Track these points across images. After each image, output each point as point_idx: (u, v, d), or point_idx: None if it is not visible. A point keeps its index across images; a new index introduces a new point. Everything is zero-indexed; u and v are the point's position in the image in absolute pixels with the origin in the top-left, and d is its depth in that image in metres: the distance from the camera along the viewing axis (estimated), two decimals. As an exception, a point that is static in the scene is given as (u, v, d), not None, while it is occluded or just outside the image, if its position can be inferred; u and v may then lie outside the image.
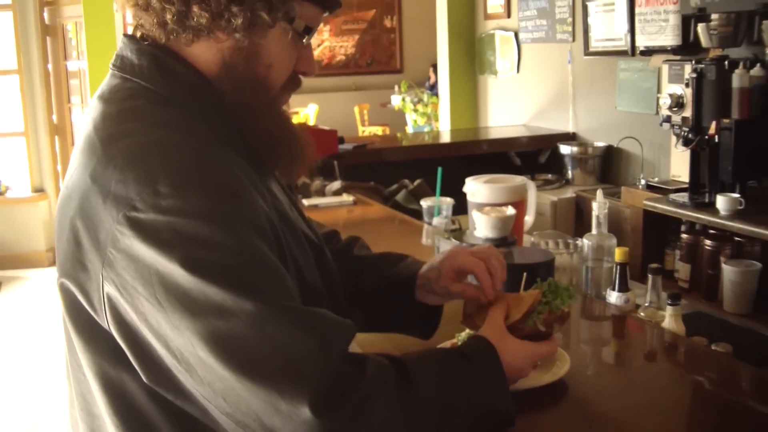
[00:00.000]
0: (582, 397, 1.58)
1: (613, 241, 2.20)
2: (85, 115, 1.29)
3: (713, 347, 1.95)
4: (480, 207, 2.40)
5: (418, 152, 5.24)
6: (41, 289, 6.61)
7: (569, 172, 5.03)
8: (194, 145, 1.17)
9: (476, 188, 2.55)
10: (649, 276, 2.04)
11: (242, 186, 1.17)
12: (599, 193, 2.25)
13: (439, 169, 2.70)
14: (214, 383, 1.06)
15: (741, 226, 3.32)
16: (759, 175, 3.55)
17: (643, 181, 4.29)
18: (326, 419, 1.04)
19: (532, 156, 5.42)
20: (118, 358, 1.16)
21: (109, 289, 1.11)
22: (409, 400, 1.15)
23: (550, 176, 5.13)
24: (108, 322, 1.14)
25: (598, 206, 2.22)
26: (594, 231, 2.23)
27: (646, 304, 2.03)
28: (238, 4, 1.22)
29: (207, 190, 1.11)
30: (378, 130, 10.41)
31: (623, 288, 2.06)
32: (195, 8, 1.21)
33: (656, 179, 4.33)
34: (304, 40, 1.33)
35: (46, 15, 7.29)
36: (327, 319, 1.15)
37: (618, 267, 2.07)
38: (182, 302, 1.06)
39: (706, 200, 3.58)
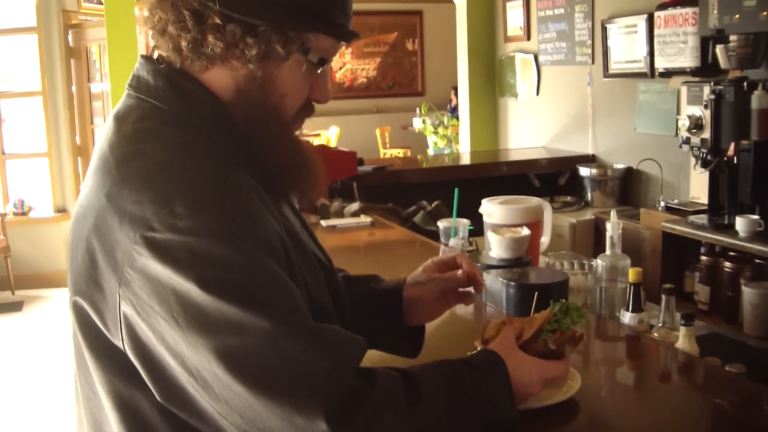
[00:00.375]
0: (593, 416, 1.57)
1: (627, 261, 2.19)
2: (100, 134, 1.31)
3: (727, 368, 1.94)
4: (496, 228, 2.40)
5: (438, 174, 5.23)
6: (63, 309, 6.65)
7: (588, 194, 5.02)
8: (207, 166, 1.19)
9: (492, 209, 2.55)
10: (663, 296, 2.03)
11: (254, 206, 1.19)
12: (613, 214, 2.25)
13: (456, 190, 2.70)
14: (231, 400, 1.08)
15: (760, 247, 3.30)
16: (779, 197, 3.52)
17: (662, 203, 4.28)
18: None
19: (552, 178, 5.41)
20: (131, 377, 1.17)
21: (125, 308, 1.13)
22: (417, 411, 1.16)
23: (569, 198, 5.12)
24: (123, 341, 1.15)
25: (612, 227, 2.22)
26: (608, 251, 2.23)
27: (660, 325, 2.02)
28: (253, 36, 1.24)
29: (220, 211, 1.13)
30: (399, 153, 10.44)
31: (637, 308, 2.05)
32: (210, 37, 1.23)
33: (675, 201, 4.31)
34: (318, 71, 1.34)
35: (70, 38, 7.38)
36: (339, 335, 1.17)
37: (632, 287, 2.07)
38: (198, 320, 1.08)
39: (726, 222, 3.57)
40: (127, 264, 1.11)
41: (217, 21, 1.23)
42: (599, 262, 2.22)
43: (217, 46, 1.24)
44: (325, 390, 1.07)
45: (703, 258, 3.68)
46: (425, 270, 1.69)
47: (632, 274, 2.06)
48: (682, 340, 1.91)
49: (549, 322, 1.48)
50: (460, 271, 1.66)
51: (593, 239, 4.57)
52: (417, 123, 9.42)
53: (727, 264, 3.53)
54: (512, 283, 2.09)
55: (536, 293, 1.65)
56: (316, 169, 1.40)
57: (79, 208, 1.23)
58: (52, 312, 6.63)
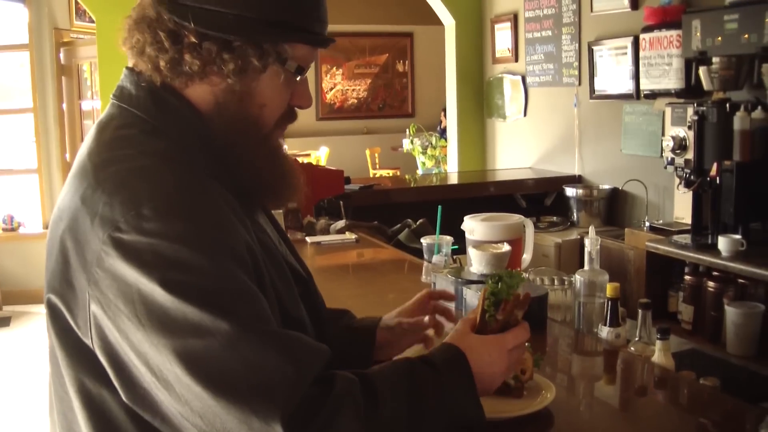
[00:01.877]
0: (566, 428, 1.59)
1: (605, 276, 2.21)
2: (86, 138, 1.34)
3: (701, 381, 1.96)
4: (478, 244, 2.42)
5: (425, 194, 5.26)
6: (50, 326, 6.63)
7: (574, 215, 5.06)
8: (180, 174, 1.21)
9: (474, 226, 2.57)
10: (639, 311, 2.05)
11: (223, 215, 1.20)
12: (591, 230, 2.28)
13: (439, 208, 2.72)
14: (191, 401, 1.09)
15: (743, 267, 3.33)
16: (762, 217, 3.55)
17: (647, 223, 4.31)
18: None
19: (539, 198, 5.45)
20: (99, 376, 1.19)
21: (94, 307, 1.14)
22: (375, 414, 1.17)
23: (555, 218, 5.15)
24: (92, 340, 1.17)
25: (591, 242, 2.24)
26: (586, 267, 2.25)
27: (636, 339, 2.04)
28: (229, 52, 1.26)
29: (188, 216, 1.15)
30: (389, 174, 10.46)
31: (614, 323, 2.07)
32: (187, 56, 1.26)
33: (660, 221, 4.34)
34: (297, 78, 1.37)
35: (62, 55, 7.41)
36: (302, 342, 1.18)
37: (609, 302, 2.08)
38: (161, 321, 1.09)
39: (709, 242, 3.59)
40: (95, 263, 1.13)
41: (193, 40, 1.26)
42: (578, 278, 2.24)
43: (194, 64, 1.27)
44: (284, 396, 1.09)
45: (687, 278, 3.70)
46: (399, 313, 1.76)
47: (610, 289, 2.08)
48: (658, 354, 1.93)
49: (487, 297, 1.47)
50: (426, 318, 1.76)
51: (578, 259, 4.59)
52: (406, 144, 9.45)
53: (711, 284, 3.55)
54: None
55: (485, 287, 1.65)
56: (292, 180, 1.42)
57: (56, 211, 1.26)
58: (40, 328, 6.60)
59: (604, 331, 2.08)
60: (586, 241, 2.25)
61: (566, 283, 2.37)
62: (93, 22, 6.67)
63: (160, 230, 1.12)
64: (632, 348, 2.03)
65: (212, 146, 1.30)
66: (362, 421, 1.15)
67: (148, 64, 1.29)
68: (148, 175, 1.19)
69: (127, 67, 1.36)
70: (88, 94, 7.51)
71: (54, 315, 1.23)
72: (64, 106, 7.51)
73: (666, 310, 3.95)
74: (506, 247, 2.31)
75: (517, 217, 2.62)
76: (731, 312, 3.32)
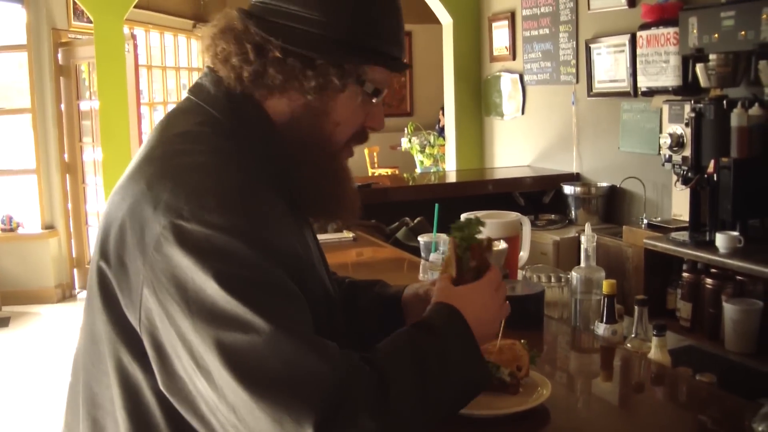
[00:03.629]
0: (563, 425, 1.59)
1: (601, 273, 2.22)
2: (155, 127, 1.40)
3: (698, 377, 1.96)
4: (475, 242, 2.42)
5: (424, 192, 5.26)
6: (51, 325, 6.65)
7: (573, 213, 5.06)
8: (244, 175, 1.25)
9: (471, 223, 2.57)
10: (636, 307, 2.06)
11: (281, 221, 1.25)
12: (587, 227, 2.28)
13: (436, 206, 2.72)
14: (227, 395, 1.10)
15: (740, 264, 3.33)
16: (760, 214, 3.55)
17: (645, 221, 4.31)
18: None
19: (537, 196, 5.44)
20: (138, 356, 1.22)
21: (146, 290, 1.17)
22: (387, 404, 1.17)
23: (553, 216, 5.16)
24: (140, 322, 1.19)
25: (587, 239, 2.24)
26: (583, 264, 2.25)
27: (633, 336, 2.04)
28: (312, 69, 1.31)
29: (249, 215, 1.19)
30: (387, 172, 10.45)
31: (611, 320, 2.07)
32: (270, 70, 1.31)
33: (658, 219, 4.34)
34: (374, 100, 1.40)
35: (60, 56, 7.40)
36: (336, 348, 1.18)
37: (605, 299, 2.08)
38: (209, 311, 1.12)
39: (707, 239, 3.59)
40: (153, 247, 1.16)
41: (278, 55, 1.30)
42: (574, 275, 2.24)
43: (277, 78, 1.31)
44: (319, 398, 1.09)
45: (685, 275, 3.70)
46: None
47: (606, 286, 2.08)
48: (655, 351, 1.93)
49: (458, 246, 1.47)
50: None
51: (576, 256, 4.58)
52: (404, 142, 9.45)
53: (709, 281, 3.55)
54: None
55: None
56: (349, 203, 1.46)
57: (120, 189, 1.29)
58: (40, 328, 6.61)
59: (601, 328, 2.08)
60: (582, 238, 2.26)
61: (563, 280, 2.37)
62: (91, 22, 6.67)
63: (221, 223, 1.15)
64: (629, 345, 2.03)
65: (279, 158, 1.34)
66: (377, 416, 1.15)
67: (231, 73, 1.33)
68: (215, 171, 1.23)
69: (209, 67, 1.39)
70: (86, 94, 7.50)
71: (103, 284, 1.25)
72: (62, 106, 7.50)
73: (664, 308, 3.95)
74: (503, 245, 2.31)
75: (513, 215, 2.62)
76: (729, 309, 3.32)
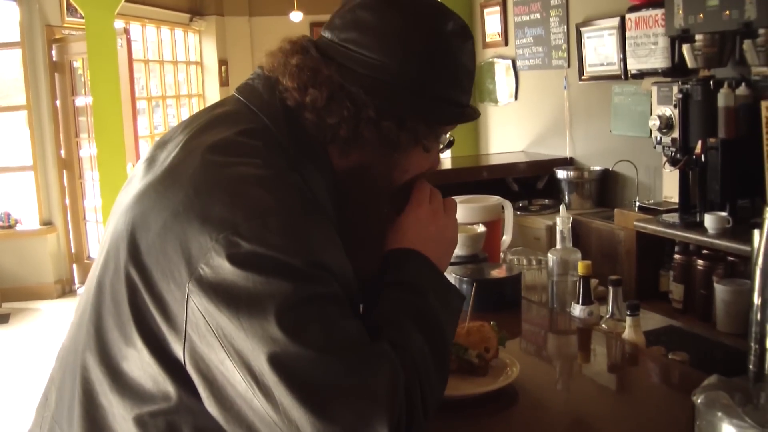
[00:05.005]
0: (530, 404, 1.59)
1: (577, 255, 2.21)
2: (195, 119, 1.33)
3: (670, 356, 1.96)
4: (456, 226, 2.42)
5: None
6: (50, 321, 6.67)
7: (566, 197, 5.04)
8: (301, 192, 1.20)
9: (452, 208, 2.57)
10: (610, 288, 2.05)
11: (337, 241, 1.20)
12: (563, 208, 2.28)
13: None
14: (290, 412, 1.07)
15: (729, 244, 3.32)
16: (748, 194, 3.54)
17: (637, 204, 4.30)
18: None
19: (531, 182, 5.43)
20: (171, 374, 1.16)
21: (194, 305, 1.11)
22: (424, 389, 1.18)
23: (547, 201, 5.15)
24: (184, 339, 1.13)
25: (562, 221, 2.24)
26: (558, 246, 2.25)
27: (608, 316, 2.04)
28: (404, 130, 1.27)
29: (310, 238, 1.14)
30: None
31: (587, 301, 2.07)
32: (366, 132, 1.25)
33: (651, 201, 4.34)
34: (442, 148, 1.39)
35: (54, 52, 7.40)
36: (386, 354, 1.17)
37: (581, 280, 2.08)
38: (265, 329, 1.07)
39: (696, 220, 3.58)
40: (203, 261, 1.10)
41: (372, 115, 1.25)
42: (550, 257, 2.24)
43: (372, 140, 1.26)
44: (384, 407, 1.08)
45: (677, 257, 3.70)
46: None
47: (581, 267, 2.08)
48: (629, 331, 1.93)
49: None
50: None
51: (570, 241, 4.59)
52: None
53: (700, 262, 3.55)
54: (465, 279, 2.11)
55: (474, 285, 1.67)
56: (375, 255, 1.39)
57: (151, 189, 1.21)
58: (39, 324, 6.63)
59: (577, 309, 2.08)
60: (558, 220, 2.25)
61: (543, 262, 2.37)
62: (84, 18, 6.67)
63: (282, 245, 1.10)
64: (603, 325, 2.03)
65: (333, 197, 1.29)
66: (426, 402, 1.18)
67: (325, 130, 1.26)
68: (273, 186, 1.16)
69: (261, 67, 1.33)
70: (81, 90, 7.50)
71: (133, 293, 1.17)
72: (58, 102, 7.51)
73: (657, 290, 3.95)
74: (481, 228, 2.31)
75: (495, 199, 2.62)
76: (720, 290, 3.31)
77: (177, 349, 1.13)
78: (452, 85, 1.31)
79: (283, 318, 1.07)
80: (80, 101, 7.54)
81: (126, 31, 6.95)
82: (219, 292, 1.08)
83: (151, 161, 1.29)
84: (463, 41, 1.34)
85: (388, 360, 1.14)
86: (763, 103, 3.18)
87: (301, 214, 1.15)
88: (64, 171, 7.61)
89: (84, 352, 1.24)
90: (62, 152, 7.58)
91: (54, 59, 7.43)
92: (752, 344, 1.41)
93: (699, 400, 1.10)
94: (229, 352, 1.09)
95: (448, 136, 1.39)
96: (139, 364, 1.17)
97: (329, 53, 1.29)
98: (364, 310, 1.31)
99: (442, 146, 1.38)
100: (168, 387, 1.15)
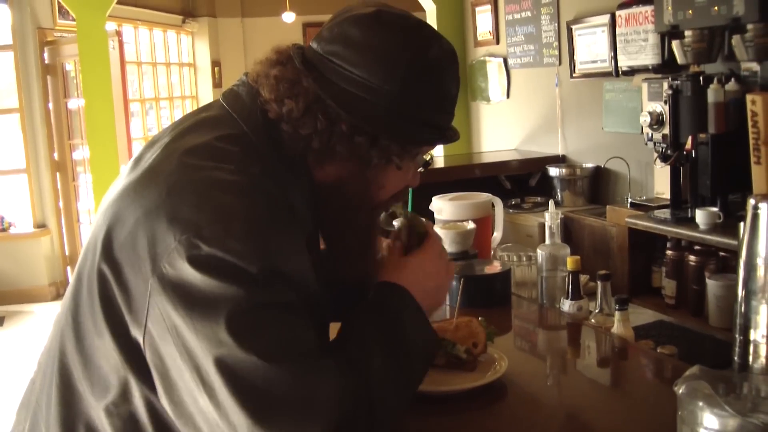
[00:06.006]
0: (519, 399, 1.60)
1: (566, 250, 2.22)
2: (180, 122, 1.36)
3: (659, 350, 1.96)
4: (446, 223, 2.43)
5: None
6: (44, 324, 6.65)
7: (558, 194, 5.05)
8: (272, 200, 1.22)
9: (442, 206, 2.58)
10: (599, 283, 2.06)
11: (302, 252, 1.22)
12: (551, 204, 2.28)
13: (410, 190, 2.72)
14: (230, 415, 1.09)
15: (719, 239, 3.32)
16: (739, 189, 3.54)
17: (629, 200, 4.31)
18: None
19: (523, 179, 5.44)
20: (134, 366, 1.19)
21: (153, 301, 1.13)
22: (375, 414, 1.20)
23: (539, 199, 5.16)
24: (144, 332, 1.16)
25: (551, 217, 2.25)
26: (547, 241, 2.26)
27: (597, 311, 2.05)
28: (377, 148, 1.29)
29: (270, 242, 1.16)
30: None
31: (576, 296, 2.08)
32: (338, 147, 1.29)
33: (643, 198, 4.34)
34: (420, 169, 1.42)
35: (46, 55, 7.40)
36: (333, 369, 1.18)
37: (570, 276, 2.09)
38: (215, 332, 1.10)
39: (688, 215, 3.58)
40: (166, 260, 1.12)
41: (345, 129, 1.27)
42: (540, 253, 2.25)
43: (343, 154, 1.29)
44: (323, 422, 1.10)
45: (669, 252, 3.70)
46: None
47: (570, 262, 2.09)
48: (617, 325, 1.94)
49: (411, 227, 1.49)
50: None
51: (562, 238, 4.60)
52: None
53: (692, 257, 3.55)
54: (455, 276, 2.12)
55: (462, 280, 1.68)
56: (369, 261, 1.44)
57: (130, 190, 1.24)
58: (34, 327, 6.63)
59: (566, 305, 2.09)
60: (546, 216, 2.26)
61: (532, 259, 2.38)
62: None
63: (240, 250, 1.12)
64: (592, 320, 2.04)
65: (311, 204, 1.33)
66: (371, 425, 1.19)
67: (299, 141, 1.29)
68: (241, 192, 1.19)
69: (247, 74, 1.36)
70: (74, 92, 7.50)
71: (104, 288, 1.20)
72: (50, 105, 7.50)
73: (650, 286, 3.96)
74: (471, 225, 2.32)
75: (485, 196, 2.63)
76: (712, 285, 3.32)
77: (139, 341, 1.16)
78: (433, 108, 1.33)
79: (233, 323, 1.09)
80: (73, 104, 7.54)
81: (118, 33, 6.94)
82: (177, 292, 1.11)
83: (138, 160, 1.32)
84: (448, 65, 1.35)
85: (333, 374, 1.15)
86: (749, 97, 3.18)
87: (266, 221, 1.17)
88: (58, 174, 7.60)
89: (63, 337, 1.28)
90: (55, 155, 7.57)
91: (46, 62, 7.42)
92: (737, 336, 1.42)
93: (681, 390, 1.11)
94: (180, 350, 1.12)
95: (426, 156, 1.42)
96: (106, 354, 1.20)
97: (313, 63, 1.31)
98: (341, 319, 1.34)
99: (418, 167, 1.40)
100: (129, 378, 1.19)
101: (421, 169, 1.43)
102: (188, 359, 1.11)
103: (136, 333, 1.16)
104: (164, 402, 1.16)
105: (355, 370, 1.20)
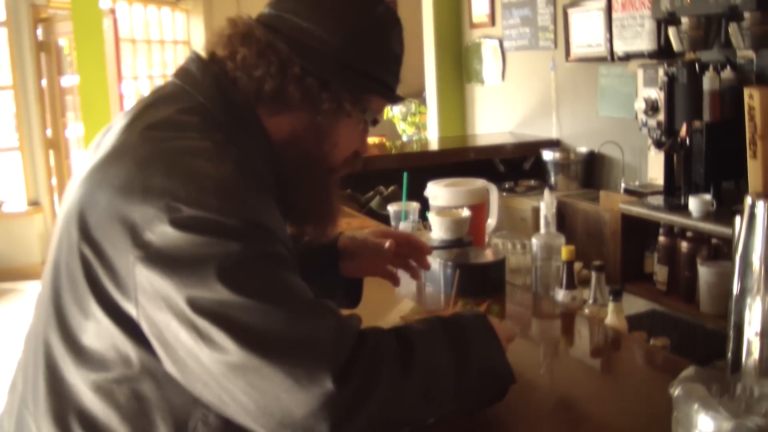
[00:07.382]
0: (514, 387, 1.61)
1: (561, 240, 2.23)
2: (136, 105, 1.37)
3: (651, 341, 1.98)
4: (441, 210, 2.43)
5: (405, 161, 5.23)
6: (37, 302, 6.65)
7: (552, 178, 5.06)
8: (238, 161, 1.24)
9: (437, 192, 2.58)
10: (593, 273, 2.07)
11: (276, 211, 1.26)
12: (546, 192, 2.29)
13: (405, 174, 2.73)
14: (236, 360, 1.10)
15: (712, 227, 3.34)
16: (733, 177, 3.56)
17: (623, 186, 4.32)
18: (343, 389, 1.11)
19: (517, 163, 5.44)
20: (134, 339, 1.19)
21: (141, 271, 1.14)
22: (413, 359, 1.23)
23: (533, 182, 5.16)
24: (136, 305, 1.16)
25: (546, 206, 2.25)
26: (542, 230, 2.26)
27: (591, 302, 2.06)
28: (327, 92, 1.35)
29: (247, 200, 1.19)
30: (375, 141, 10.40)
31: (570, 286, 2.09)
32: (291, 87, 1.33)
33: (636, 183, 4.35)
34: (370, 128, 1.47)
35: (39, 31, 7.35)
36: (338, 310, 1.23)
37: (564, 265, 2.10)
38: (208, 287, 1.11)
39: (681, 202, 3.60)
40: (147, 228, 1.13)
41: (297, 72, 1.33)
42: (534, 241, 2.26)
43: (294, 97, 1.33)
44: (332, 351, 1.12)
45: (661, 239, 3.72)
46: (366, 235, 1.85)
47: (565, 252, 2.10)
48: (611, 316, 1.95)
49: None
50: (387, 243, 1.82)
51: (556, 223, 4.60)
52: (385, 111, 9.38)
53: (684, 244, 3.57)
54: (449, 263, 2.13)
55: (458, 270, 1.68)
56: (330, 220, 1.49)
57: (97, 170, 1.24)
58: (27, 305, 6.62)
59: (560, 294, 2.10)
60: (542, 205, 2.27)
61: (527, 247, 2.38)
62: (69, -3, 6.63)
63: (220, 205, 1.15)
64: (586, 310, 2.05)
65: (271, 163, 1.36)
66: (401, 372, 1.20)
67: (251, 83, 1.33)
68: (210, 155, 1.22)
69: (194, 52, 1.40)
70: (68, 69, 7.46)
71: (88, 270, 1.20)
72: (44, 82, 7.46)
73: (642, 272, 3.98)
74: (466, 212, 2.32)
75: (480, 182, 2.63)
76: (704, 271, 3.34)
77: (133, 315, 1.17)
78: (378, 63, 1.41)
79: (224, 274, 1.11)
80: (66, 81, 7.50)
81: (112, 11, 6.90)
82: (163, 257, 1.13)
83: (97, 146, 1.34)
84: (391, 25, 1.45)
85: (333, 314, 1.19)
86: (746, 90, 3.19)
87: (238, 178, 1.21)
88: (51, 151, 7.57)
89: (46, 331, 1.28)
90: (49, 132, 7.54)
91: (40, 39, 7.38)
92: (730, 332, 1.44)
93: (676, 392, 1.12)
94: (174, 312, 1.12)
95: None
96: (100, 334, 1.21)
97: (263, 21, 1.38)
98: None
99: (368, 123, 1.45)
100: (129, 351, 1.20)
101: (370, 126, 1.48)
102: (183, 319, 1.12)
103: (129, 308, 1.16)
104: (172, 371, 1.17)
105: (404, 339, 1.25)
